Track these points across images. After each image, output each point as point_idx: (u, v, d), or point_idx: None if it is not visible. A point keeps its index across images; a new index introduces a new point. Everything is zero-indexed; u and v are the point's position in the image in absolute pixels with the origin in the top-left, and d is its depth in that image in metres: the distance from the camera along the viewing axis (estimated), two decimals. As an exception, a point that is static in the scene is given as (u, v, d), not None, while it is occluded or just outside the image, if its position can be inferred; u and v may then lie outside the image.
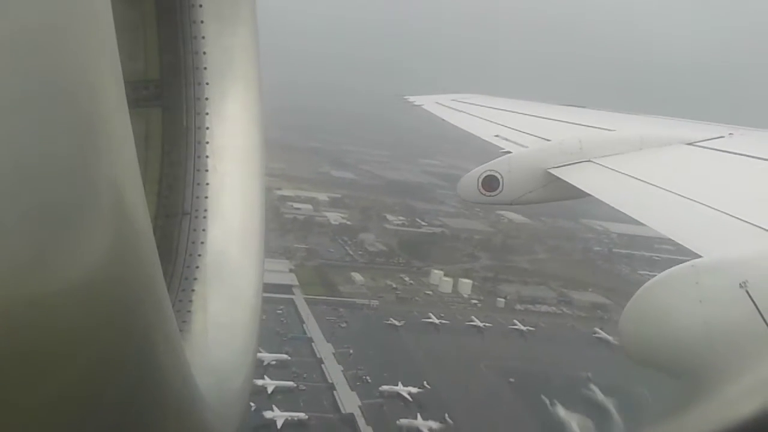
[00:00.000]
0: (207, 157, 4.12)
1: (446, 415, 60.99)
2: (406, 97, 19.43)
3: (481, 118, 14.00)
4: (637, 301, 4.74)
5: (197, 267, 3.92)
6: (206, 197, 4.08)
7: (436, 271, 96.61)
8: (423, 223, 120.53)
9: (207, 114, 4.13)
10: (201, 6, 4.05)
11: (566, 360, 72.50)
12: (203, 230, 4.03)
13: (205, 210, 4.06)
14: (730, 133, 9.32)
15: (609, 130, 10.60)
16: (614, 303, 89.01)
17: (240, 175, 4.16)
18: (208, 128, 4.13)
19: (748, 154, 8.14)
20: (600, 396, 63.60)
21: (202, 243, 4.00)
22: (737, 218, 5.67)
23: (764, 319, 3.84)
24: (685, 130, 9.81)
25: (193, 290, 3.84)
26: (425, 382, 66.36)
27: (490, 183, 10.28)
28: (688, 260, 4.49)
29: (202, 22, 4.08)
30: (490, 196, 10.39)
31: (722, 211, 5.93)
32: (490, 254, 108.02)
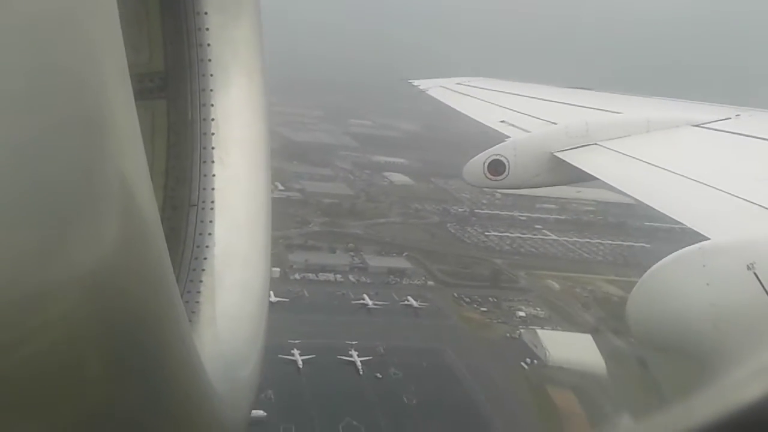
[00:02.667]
0: (213, 148, 4.13)
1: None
2: (410, 81, 19.32)
3: (486, 102, 13.94)
4: (644, 283, 4.75)
5: (205, 258, 3.94)
6: (213, 189, 4.09)
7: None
8: (280, 188, 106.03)
9: (212, 105, 4.13)
10: None
11: (295, 328, 68.04)
12: (210, 222, 4.04)
13: (212, 201, 4.07)
14: (737, 115, 9.26)
15: (615, 112, 10.55)
16: (416, 267, 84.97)
17: (246, 166, 4.16)
18: (213, 120, 4.14)
19: (755, 135, 8.10)
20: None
21: (210, 234, 4.01)
22: (745, 200, 5.66)
23: None
24: (691, 112, 9.76)
25: (201, 281, 3.86)
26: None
27: (496, 167, 10.26)
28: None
29: (206, 13, 4.07)
30: (496, 180, 10.37)
31: (729, 193, 5.91)
32: (328, 220, 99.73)
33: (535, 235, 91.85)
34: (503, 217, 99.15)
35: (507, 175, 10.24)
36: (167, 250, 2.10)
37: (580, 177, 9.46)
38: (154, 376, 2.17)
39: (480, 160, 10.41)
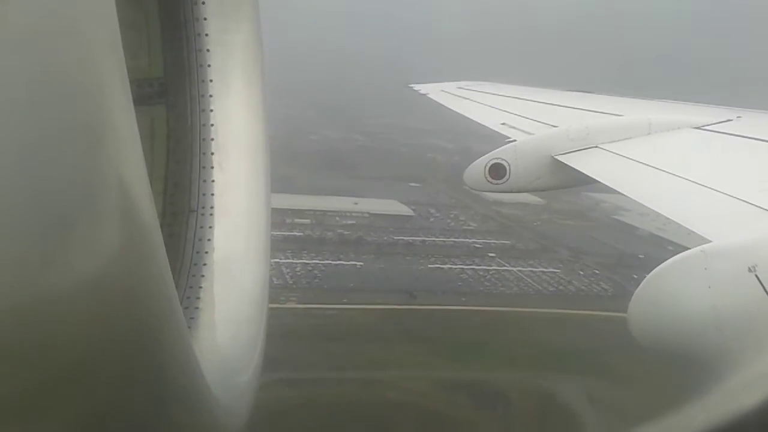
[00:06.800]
0: (212, 154, 4.13)
1: None
2: (411, 85, 19.32)
3: (487, 105, 13.95)
4: (646, 286, 4.74)
5: (204, 264, 3.94)
6: (212, 194, 4.09)
7: None
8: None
9: (211, 111, 4.14)
10: (204, 3, 4.06)
11: None
12: (210, 227, 4.04)
13: (212, 207, 4.08)
14: (738, 117, 9.26)
15: (616, 115, 10.55)
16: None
17: (245, 171, 4.17)
18: (212, 125, 4.14)
19: (756, 137, 8.09)
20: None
21: (209, 240, 4.01)
22: (746, 202, 5.65)
23: None
24: (692, 114, 9.75)
25: (200, 287, 3.86)
26: None
27: (497, 171, 10.24)
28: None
29: (205, 19, 4.08)
30: (497, 184, 10.36)
31: (731, 195, 5.90)
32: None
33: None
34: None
35: (508, 179, 10.22)
36: (166, 255, 2.10)
37: (581, 180, 9.44)
38: (152, 381, 2.17)
39: (481, 164, 10.38)
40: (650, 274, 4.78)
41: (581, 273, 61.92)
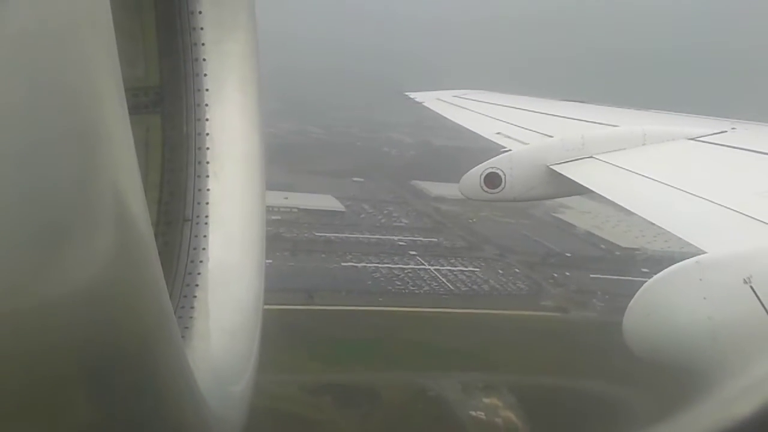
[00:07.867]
0: (207, 163, 4.14)
1: None
2: (407, 93, 19.36)
3: (482, 114, 13.99)
4: (642, 296, 4.74)
5: (199, 273, 3.94)
6: (207, 203, 4.10)
7: None
8: None
9: (207, 120, 4.15)
10: (201, 13, 4.07)
11: None
12: (204, 236, 4.04)
13: (206, 216, 4.08)
14: (733, 128, 9.31)
15: (611, 125, 10.59)
16: None
17: (240, 181, 4.17)
18: (208, 134, 4.15)
19: (751, 148, 8.13)
20: None
21: (204, 249, 4.01)
22: (741, 213, 5.66)
23: None
24: (687, 126, 9.79)
25: (194, 296, 3.85)
26: None
27: (493, 180, 10.26)
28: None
29: (201, 29, 4.09)
30: (492, 193, 10.37)
31: (726, 207, 5.91)
32: None
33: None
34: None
35: (503, 188, 10.23)
36: (160, 265, 2.10)
37: (576, 190, 9.46)
38: (146, 389, 2.16)
39: (476, 173, 10.40)
40: (646, 284, 4.79)
41: (500, 272, 60.80)
